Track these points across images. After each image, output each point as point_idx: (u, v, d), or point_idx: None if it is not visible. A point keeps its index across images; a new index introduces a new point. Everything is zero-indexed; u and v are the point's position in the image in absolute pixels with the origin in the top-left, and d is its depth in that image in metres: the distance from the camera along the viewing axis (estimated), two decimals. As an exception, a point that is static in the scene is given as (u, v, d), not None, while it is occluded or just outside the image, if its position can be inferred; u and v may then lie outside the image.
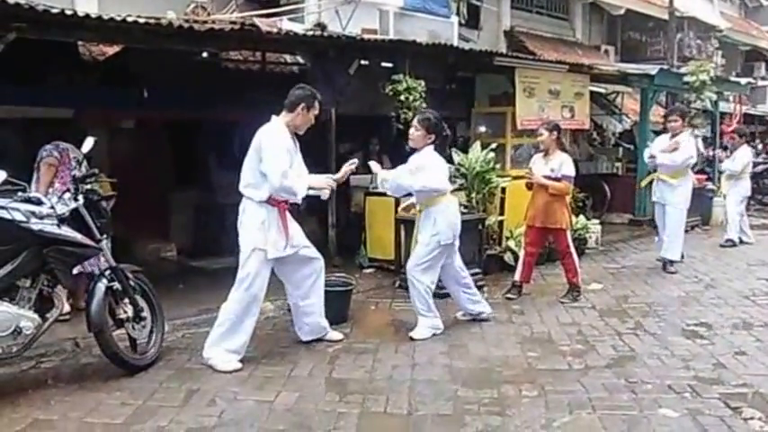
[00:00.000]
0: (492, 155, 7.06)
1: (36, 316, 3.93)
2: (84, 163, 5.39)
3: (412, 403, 3.89)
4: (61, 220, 4.08)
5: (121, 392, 4.01)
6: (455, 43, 8.37)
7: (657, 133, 10.73)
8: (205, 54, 7.27)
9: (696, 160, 7.56)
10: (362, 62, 7.11)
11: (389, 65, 7.22)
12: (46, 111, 6.33)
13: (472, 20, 11.17)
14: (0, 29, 4.65)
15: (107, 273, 4.31)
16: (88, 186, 4.44)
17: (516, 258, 6.67)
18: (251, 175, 4.47)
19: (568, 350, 4.83)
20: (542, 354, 4.75)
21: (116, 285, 4.31)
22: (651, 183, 7.83)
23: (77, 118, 6.43)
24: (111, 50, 7.15)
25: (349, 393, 4.03)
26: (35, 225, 3.92)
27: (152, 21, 5.20)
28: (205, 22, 6.23)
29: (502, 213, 7.61)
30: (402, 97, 6.71)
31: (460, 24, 9.77)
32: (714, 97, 10.98)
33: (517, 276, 6.35)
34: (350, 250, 7.51)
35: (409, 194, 5.39)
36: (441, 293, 6.02)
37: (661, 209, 7.63)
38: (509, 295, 6.27)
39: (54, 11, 4.65)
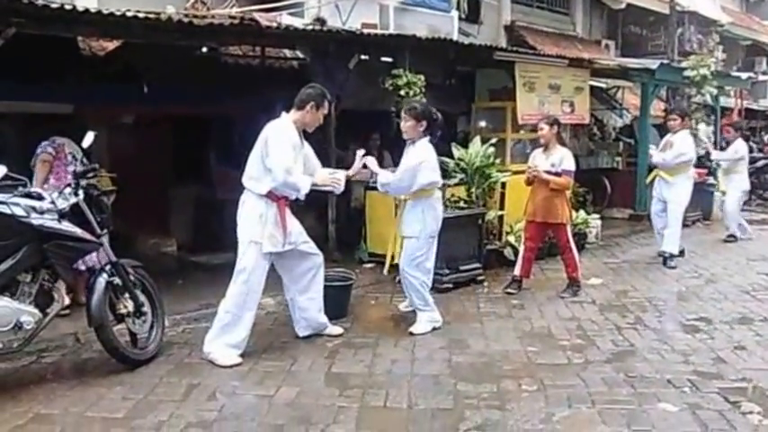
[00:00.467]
0: (492, 150, 7.06)
1: (37, 311, 3.94)
2: (83, 158, 5.38)
3: (411, 397, 3.90)
4: (61, 215, 4.08)
5: (122, 387, 4.02)
6: (455, 38, 8.35)
7: (658, 128, 10.75)
8: (205, 49, 7.26)
9: (691, 158, 7.59)
10: (362, 57, 7.11)
11: (389, 59, 7.21)
12: (46, 106, 6.32)
13: (472, 14, 11.14)
14: (-1, 24, 4.65)
15: (107, 268, 4.31)
16: (88, 181, 4.44)
17: (516, 253, 6.68)
18: (255, 169, 4.49)
19: (568, 345, 4.84)
20: (542, 348, 4.76)
21: (116, 280, 4.31)
22: (654, 179, 7.90)
23: (77, 113, 6.43)
24: (111, 46, 7.14)
25: (349, 388, 4.04)
26: (35, 220, 3.93)
27: (152, 16, 5.19)
28: (204, 16, 6.22)
29: (502, 208, 7.62)
30: (402, 92, 6.70)
31: (460, 19, 9.75)
32: (715, 92, 10.95)
33: (517, 271, 6.36)
34: (350, 245, 7.51)
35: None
36: (440, 288, 6.06)
37: (659, 205, 7.71)
38: (509, 290, 6.27)
39: (53, 6, 4.65)
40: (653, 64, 10.22)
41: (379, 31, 7.39)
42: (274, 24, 6.26)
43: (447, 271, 6.26)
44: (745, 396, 3.92)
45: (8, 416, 3.63)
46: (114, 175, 5.83)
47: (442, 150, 6.21)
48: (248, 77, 7.85)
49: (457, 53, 7.85)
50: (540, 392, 3.97)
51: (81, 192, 4.26)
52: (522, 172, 6.51)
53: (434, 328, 5.12)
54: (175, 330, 5.07)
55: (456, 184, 6.93)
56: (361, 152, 4.96)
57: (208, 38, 6.24)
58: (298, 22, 6.82)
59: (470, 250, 6.59)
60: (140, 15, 5.09)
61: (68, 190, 4.29)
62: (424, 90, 6.79)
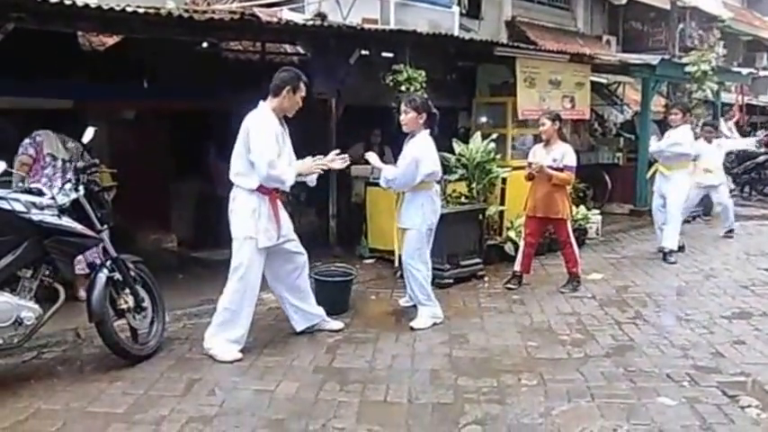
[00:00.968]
0: (493, 145, 7.06)
1: (37, 306, 3.95)
2: (83, 153, 5.37)
3: (412, 392, 3.91)
4: (62, 211, 4.08)
5: (123, 382, 4.03)
6: (456, 33, 8.33)
7: (658, 123, 10.74)
8: (205, 44, 7.26)
9: (689, 152, 7.57)
10: (363, 52, 7.09)
11: (390, 55, 7.19)
12: (45, 102, 6.31)
13: (473, 10, 11.12)
14: (-1, 19, 4.64)
15: (108, 263, 4.32)
16: (89, 177, 4.44)
17: (516, 248, 6.68)
18: (240, 164, 4.43)
19: (568, 339, 4.85)
20: (542, 343, 4.77)
21: (117, 276, 4.32)
22: (655, 174, 7.90)
23: (77, 109, 6.42)
24: (111, 41, 7.14)
25: (349, 383, 4.05)
26: (35, 216, 3.93)
27: (152, 11, 5.17)
28: (205, 12, 6.21)
29: (502, 203, 7.62)
30: (403, 87, 6.68)
31: (461, 14, 9.72)
32: (715, 87, 10.93)
33: (517, 266, 6.36)
34: (350, 240, 7.52)
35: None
36: (441, 283, 6.06)
37: (660, 200, 7.73)
38: (509, 285, 6.28)
39: (53, 0, 4.62)
40: (654, 59, 10.21)
41: (379, 27, 7.38)
42: (275, 19, 6.25)
43: (448, 266, 6.27)
44: (743, 390, 3.93)
45: (9, 411, 3.64)
46: (114, 170, 5.83)
47: (443, 146, 6.22)
48: (249, 73, 7.83)
49: (458, 48, 7.84)
50: (540, 387, 3.98)
51: (81, 187, 4.26)
52: (523, 167, 6.51)
53: (435, 324, 5.13)
54: (176, 326, 5.08)
55: (457, 180, 6.93)
56: (345, 157, 4.83)
57: (208, 33, 6.23)
58: (298, 18, 6.81)
59: (471, 246, 6.60)
60: (140, 10, 5.07)
61: (69, 186, 4.30)
62: (424, 85, 6.78)
